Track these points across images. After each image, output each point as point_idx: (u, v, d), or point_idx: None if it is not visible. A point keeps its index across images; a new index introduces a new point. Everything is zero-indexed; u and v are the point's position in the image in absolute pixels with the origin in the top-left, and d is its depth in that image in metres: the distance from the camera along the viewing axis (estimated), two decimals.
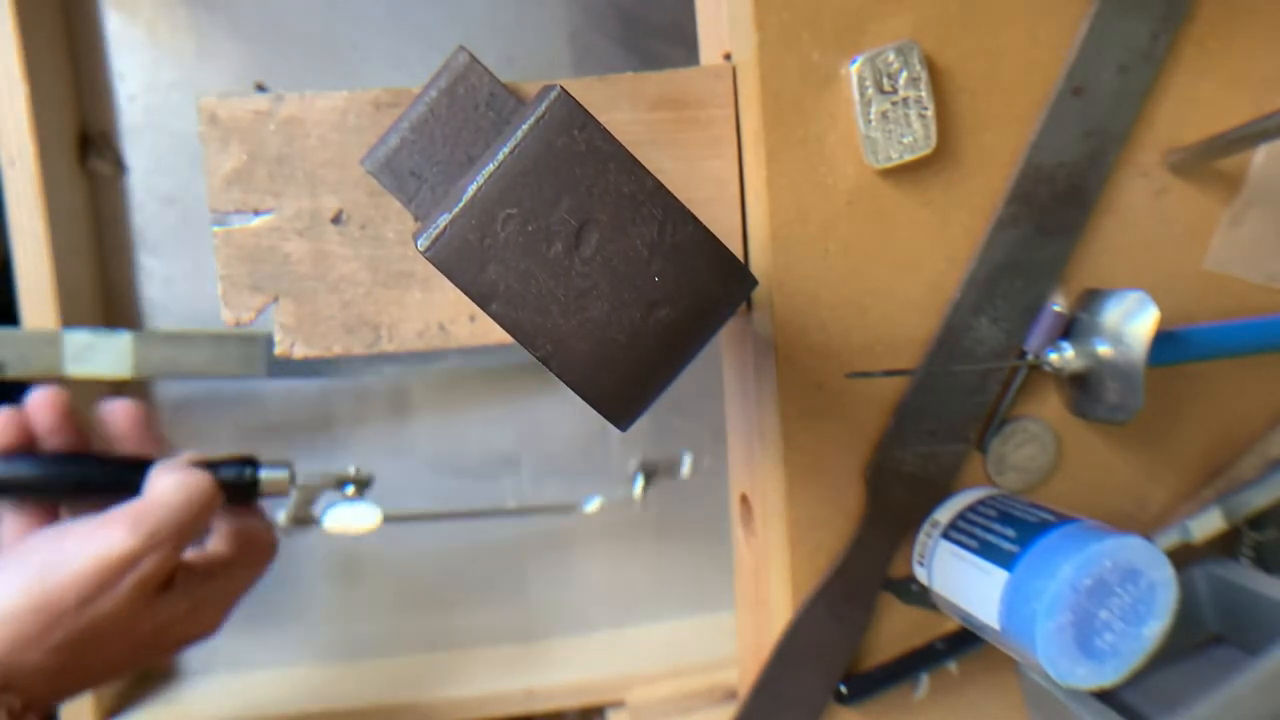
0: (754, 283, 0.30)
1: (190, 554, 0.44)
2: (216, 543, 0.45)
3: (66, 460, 0.44)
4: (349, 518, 0.53)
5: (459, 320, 0.39)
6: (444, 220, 0.27)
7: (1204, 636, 0.43)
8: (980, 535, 0.38)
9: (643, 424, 0.60)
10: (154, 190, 0.56)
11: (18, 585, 0.38)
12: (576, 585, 0.61)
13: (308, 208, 0.38)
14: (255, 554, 0.46)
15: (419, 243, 0.27)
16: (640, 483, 0.59)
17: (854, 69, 0.38)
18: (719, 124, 0.40)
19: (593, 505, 0.58)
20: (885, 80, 0.38)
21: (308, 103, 0.38)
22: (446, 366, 0.57)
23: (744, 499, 0.45)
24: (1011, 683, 0.44)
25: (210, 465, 0.45)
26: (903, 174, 0.40)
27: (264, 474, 0.47)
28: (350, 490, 0.53)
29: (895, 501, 0.41)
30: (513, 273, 0.27)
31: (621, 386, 0.28)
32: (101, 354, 0.51)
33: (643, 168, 0.28)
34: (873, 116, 0.38)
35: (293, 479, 0.48)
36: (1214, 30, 0.41)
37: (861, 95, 0.38)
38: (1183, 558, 0.42)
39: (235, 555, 0.45)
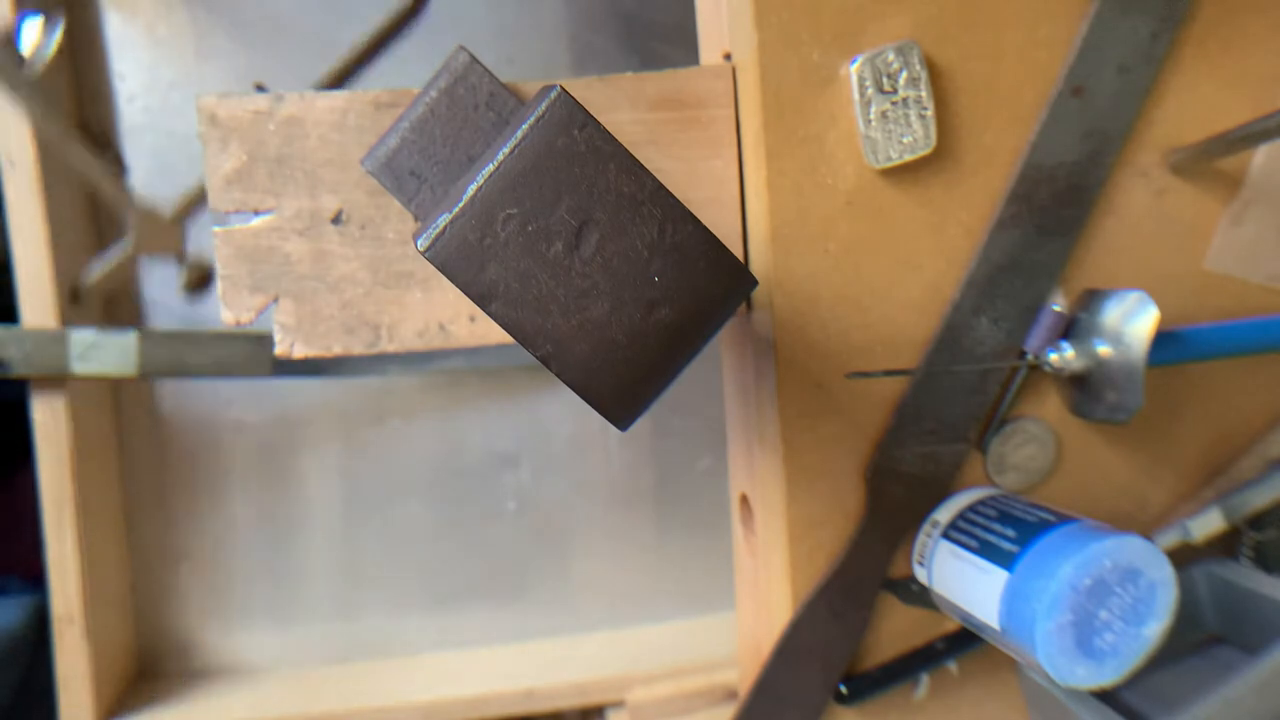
0: (754, 283, 0.30)
1: None
2: None
3: None
4: None
5: (459, 320, 0.39)
6: (444, 220, 0.27)
7: (1204, 636, 0.43)
8: (980, 535, 0.38)
9: (643, 424, 0.60)
10: (154, 190, 0.56)
11: None
12: (576, 585, 0.61)
13: (308, 208, 0.38)
14: None
15: (419, 243, 0.27)
16: None
17: (854, 69, 0.38)
18: (719, 124, 0.40)
19: None
20: (885, 80, 0.38)
21: (308, 103, 0.38)
22: (446, 366, 0.57)
23: (744, 499, 0.45)
24: (1011, 683, 0.44)
25: None
26: (903, 174, 0.40)
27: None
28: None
29: (895, 501, 0.41)
30: (513, 273, 0.27)
31: (621, 386, 0.28)
32: (107, 353, 0.51)
33: (643, 168, 0.28)
34: (873, 116, 0.38)
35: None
36: (1214, 30, 0.41)
37: (861, 95, 0.38)
38: (1183, 558, 0.42)
39: None
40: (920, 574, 0.41)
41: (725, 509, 0.49)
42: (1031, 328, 0.41)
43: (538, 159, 0.27)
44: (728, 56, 0.40)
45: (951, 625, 0.43)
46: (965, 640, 0.42)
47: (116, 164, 0.55)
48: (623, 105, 0.39)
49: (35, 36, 0.35)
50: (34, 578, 0.59)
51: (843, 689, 0.42)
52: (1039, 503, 0.39)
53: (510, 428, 0.60)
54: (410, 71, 0.56)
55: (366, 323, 0.39)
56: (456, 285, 0.27)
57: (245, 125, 0.38)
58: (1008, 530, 0.37)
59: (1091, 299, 0.40)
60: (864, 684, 0.42)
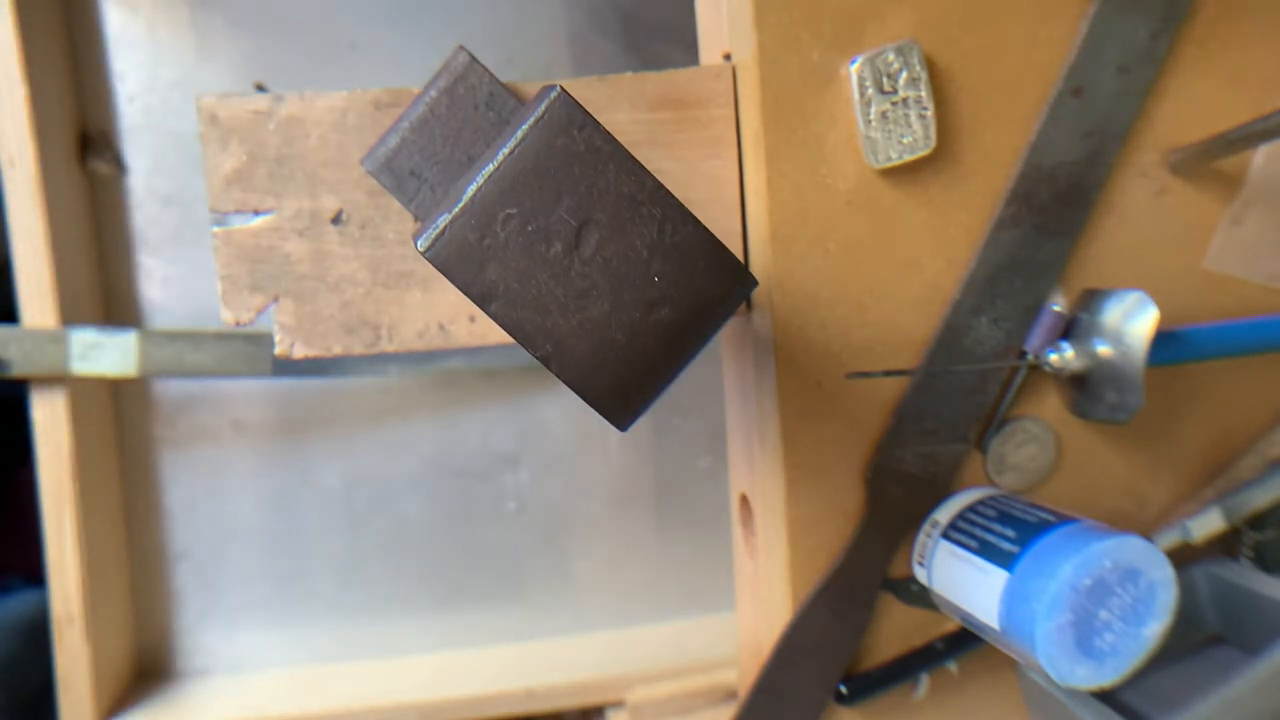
0: (754, 283, 0.30)
1: None
2: None
3: None
4: None
5: (459, 320, 0.39)
6: (444, 220, 0.27)
7: (1204, 636, 0.43)
8: (980, 535, 0.38)
9: (643, 424, 0.60)
10: (154, 190, 0.56)
11: None
12: (576, 585, 0.61)
13: (308, 208, 0.38)
14: None
15: (419, 243, 0.27)
16: None
17: (854, 69, 0.38)
18: (719, 124, 0.40)
19: None
20: (885, 80, 0.38)
21: (308, 103, 0.38)
22: (446, 366, 0.57)
23: (744, 499, 0.45)
24: (1011, 683, 0.44)
25: None
26: (903, 174, 0.40)
27: None
28: None
29: (895, 501, 0.41)
30: (513, 273, 0.27)
31: (621, 386, 0.28)
32: (107, 353, 0.51)
33: (643, 168, 0.28)
34: (873, 116, 0.38)
35: None
36: (1214, 30, 0.41)
37: (861, 95, 0.38)
38: (1183, 558, 0.42)
39: None
40: (920, 574, 0.41)
41: (725, 509, 0.49)
42: (1031, 328, 0.41)
43: (537, 159, 0.27)
44: (728, 56, 0.40)
45: (951, 625, 0.43)
46: (965, 640, 0.42)
47: (116, 164, 0.55)
48: (623, 105, 0.39)
49: None
50: (34, 577, 0.59)
51: (843, 689, 0.42)
52: (1039, 503, 0.39)
53: (510, 428, 0.60)
54: (410, 71, 0.56)
55: (366, 323, 0.39)
56: (456, 285, 0.27)
57: (245, 125, 0.38)
58: (1007, 530, 0.37)
59: (1091, 299, 0.40)
60: (864, 684, 0.42)
